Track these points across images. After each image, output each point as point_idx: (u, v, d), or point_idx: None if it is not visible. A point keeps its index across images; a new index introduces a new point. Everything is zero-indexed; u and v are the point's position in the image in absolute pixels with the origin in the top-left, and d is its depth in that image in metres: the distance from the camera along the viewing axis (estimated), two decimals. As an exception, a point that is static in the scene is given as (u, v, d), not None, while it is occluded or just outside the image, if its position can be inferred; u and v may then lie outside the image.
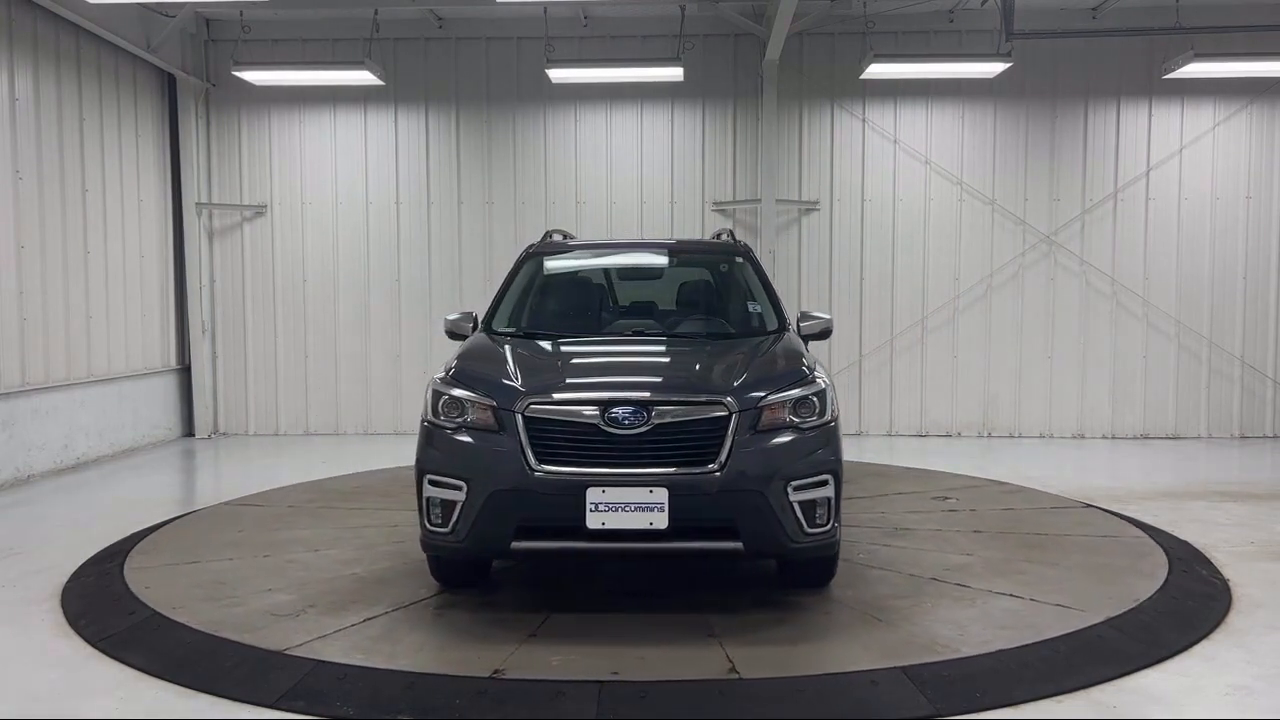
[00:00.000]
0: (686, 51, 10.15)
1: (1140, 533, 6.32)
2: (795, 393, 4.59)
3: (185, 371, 11.08)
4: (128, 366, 10.02)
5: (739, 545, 4.37)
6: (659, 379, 4.77)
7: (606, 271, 6.45)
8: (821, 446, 4.55)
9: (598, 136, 10.94)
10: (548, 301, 6.07)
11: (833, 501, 4.53)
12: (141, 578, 5.31)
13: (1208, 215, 10.72)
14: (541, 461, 4.38)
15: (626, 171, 10.93)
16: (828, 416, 4.65)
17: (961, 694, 3.85)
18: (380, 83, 10.17)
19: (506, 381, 4.67)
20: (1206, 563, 5.69)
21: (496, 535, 4.41)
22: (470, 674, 4.02)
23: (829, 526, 4.53)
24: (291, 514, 6.84)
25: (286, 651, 4.24)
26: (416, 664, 4.15)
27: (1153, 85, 10.54)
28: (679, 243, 6.93)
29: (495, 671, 4.03)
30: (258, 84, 10.49)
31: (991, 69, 9.85)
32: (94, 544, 6.13)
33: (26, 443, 8.42)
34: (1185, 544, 6.09)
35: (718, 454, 4.36)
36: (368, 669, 4.08)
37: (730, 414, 4.40)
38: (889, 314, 10.89)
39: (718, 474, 4.33)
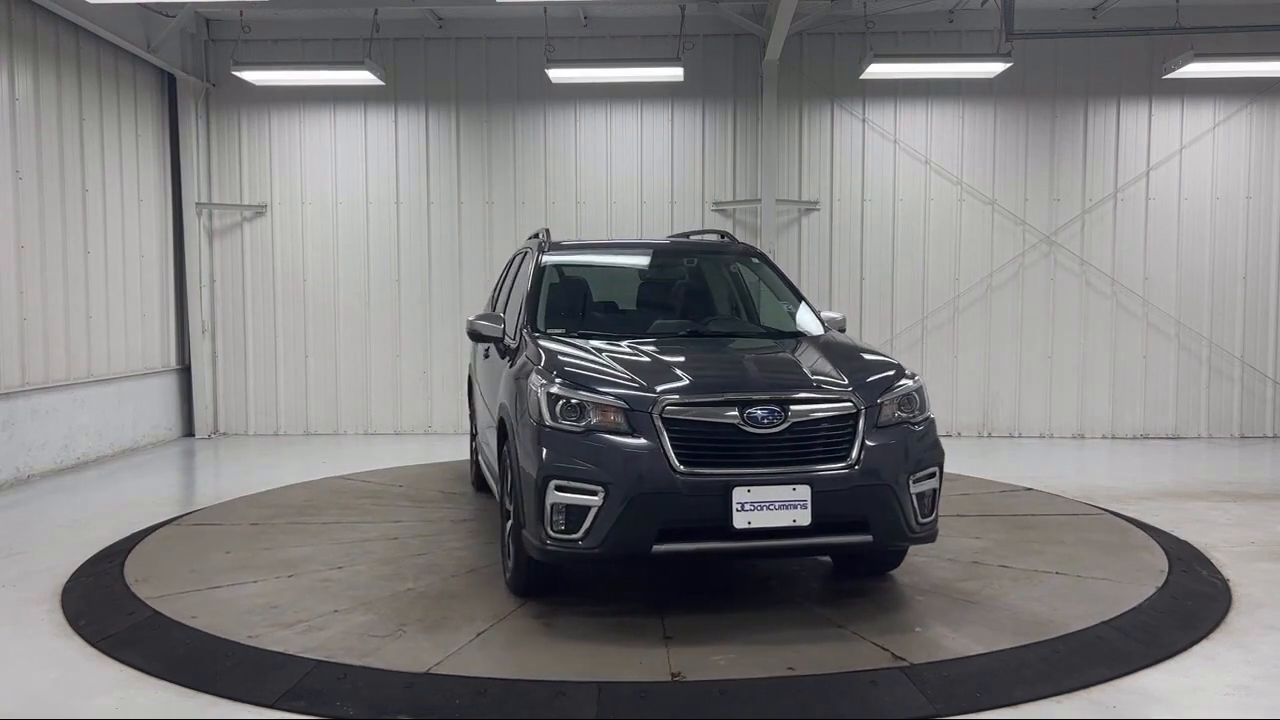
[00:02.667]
0: (686, 51, 10.15)
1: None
2: (901, 390, 4.73)
3: (185, 371, 11.08)
4: (128, 366, 10.02)
5: (869, 538, 4.50)
6: (783, 378, 4.78)
7: (635, 271, 6.45)
8: (928, 440, 4.73)
9: (598, 136, 10.94)
10: (589, 302, 6.03)
11: (937, 492, 4.73)
12: (177, 606, 4.85)
13: (1208, 215, 10.72)
14: (683, 463, 4.31)
15: (626, 171, 10.93)
16: (928, 411, 4.85)
17: (961, 694, 3.85)
18: (380, 83, 10.17)
19: (632, 383, 4.53)
20: (1206, 563, 5.69)
21: (638, 540, 4.29)
22: (651, 679, 3.96)
23: (934, 516, 4.72)
24: (262, 532, 6.34)
25: (430, 671, 4.04)
26: (576, 672, 4.02)
27: (1153, 85, 10.55)
28: (698, 243, 6.90)
29: (675, 675, 3.99)
30: (258, 84, 10.49)
31: (991, 69, 9.85)
32: (94, 544, 6.13)
33: (26, 443, 8.42)
34: (1185, 544, 6.09)
35: (850, 450, 4.46)
36: (368, 669, 4.07)
37: (858, 411, 4.52)
38: (889, 314, 10.90)
39: (854, 469, 4.42)
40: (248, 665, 4.16)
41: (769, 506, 4.29)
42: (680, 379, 4.60)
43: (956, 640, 4.36)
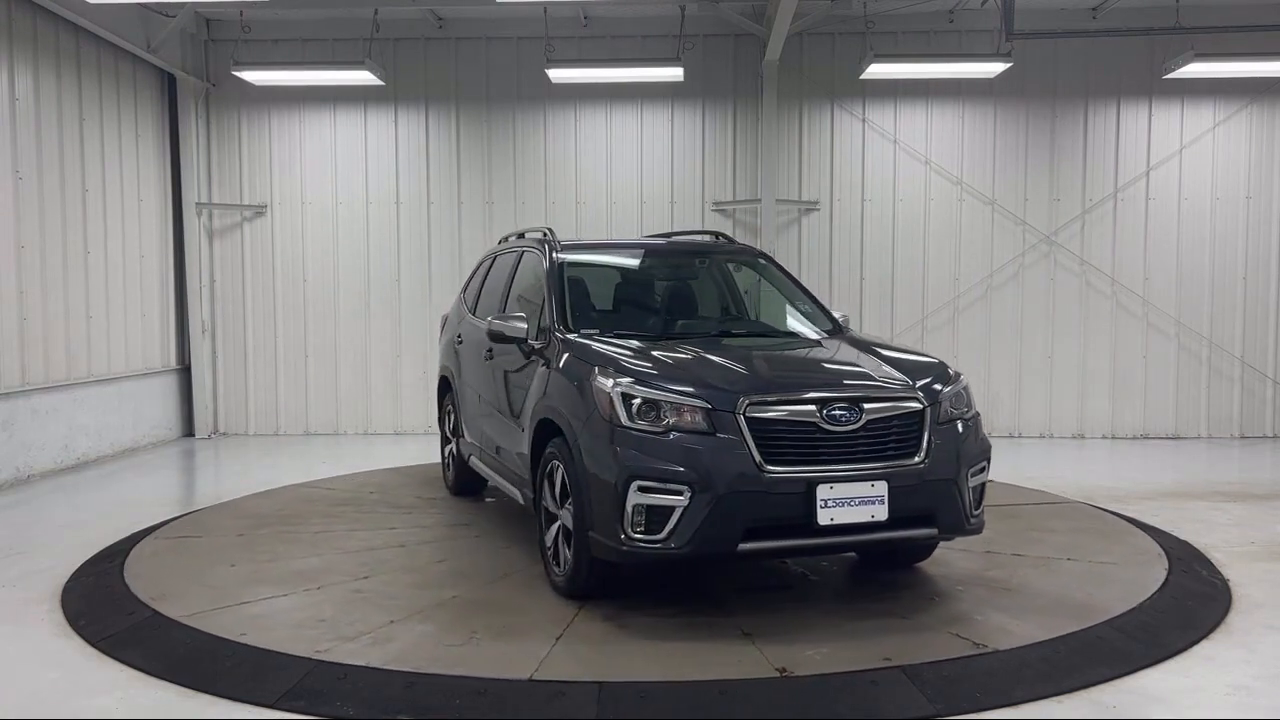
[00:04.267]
0: (686, 51, 10.15)
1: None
2: (953, 387, 4.87)
3: (185, 371, 11.08)
4: (128, 366, 10.02)
5: (935, 530, 4.66)
6: (852, 377, 4.86)
7: (649, 271, 6.44)
8: (978, 434, 4.92)
9: (598, 136, 10.94)
10: (609, 301, 6.04)
11: (985, 485, 4.93)
12: (219, 624, 4.60)
13: (1208, 215, 10.72)
14: (767, 461, 4.35)
15: (626, 171, 10.93)
16: (975, 408, 5.01)
17: (961, 694, 3.85)
18: (380, 83, 10.17)
19: (708, 383, 4.55)
20: (1206, 563, 5.70)
21: (725, 538, 4.32)
22: (759, 675, 3.98)
23: (982, 508, 4.90)
24: (253, 543, 6.04)
25: (533, 678, 3.95)
26: (679, 672, 4.01)
27: (1153, 85, 10.55)
28: (707, 243, 6.89)
29: (781, 670, 4.02)
30: (258, 84, 10.49)
31: (991, 69, 9.85)
32: (94, 544, 6.12)
33: (26, 443, 8.42)
34: (1185, 544, 6.09)
35: (919, 446, 4.57)
36: (368, 669, 4.07)
37: (924, 408, 4.64)
38: (889, 314, 10.89)
39: (923, 464, 4.54)
40: (248, 665, 4.16)
41: (850, 503, 4.37)
42: (755, 378, 4.64)
43: (1022, 626, 4.51)
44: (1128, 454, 9.92)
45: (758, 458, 4.33)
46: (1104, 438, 10.79)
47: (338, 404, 11.17)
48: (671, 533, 4.31)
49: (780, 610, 4.82)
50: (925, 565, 5.47)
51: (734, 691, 3.87)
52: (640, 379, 4.59)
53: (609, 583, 4.86)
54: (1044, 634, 4.41)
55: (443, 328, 7.93)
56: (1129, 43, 10.37)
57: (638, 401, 4.48)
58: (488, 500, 7.20)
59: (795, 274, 10.63)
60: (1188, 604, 4.93)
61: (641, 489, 4.33)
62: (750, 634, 4.45)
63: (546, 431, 5.08)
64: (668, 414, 4.45)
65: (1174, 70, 9.75)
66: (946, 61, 10.10)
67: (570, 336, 5.27)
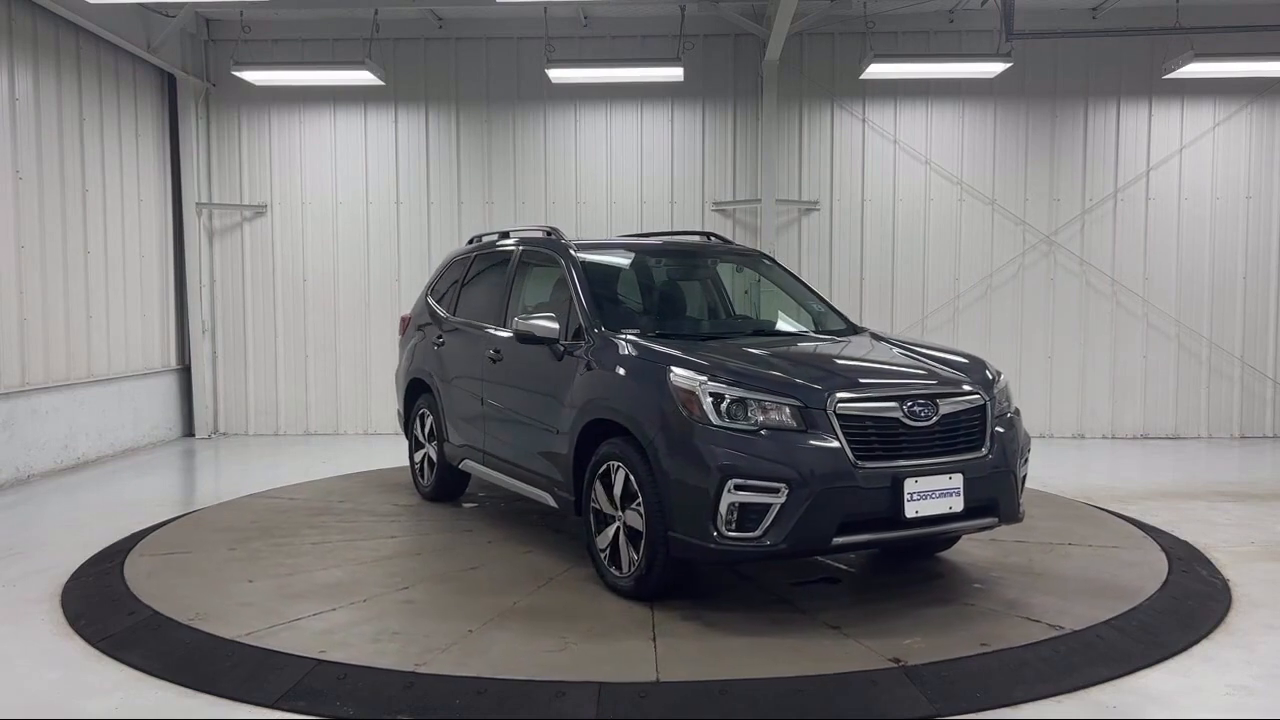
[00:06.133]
0: (686, 51, 10.16)
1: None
2: (999, 384, 5.12)
3: (185, 371, 11.08)
4: (128, 366, 10.02)
5: (996, 519, 4.83)
6: (921, 374, 4.97)
7: (664, 271, 6.43)
8: (1023, 427, 5.12)
9: (598, 136, 10.94)
10: (647, 302, 6.06)
11: (1026, 476, 5.14)
12: (287, 642, 4.35)
13: (1208, 215, 10.72)
14: (857, 457, 4.44)
15: (626, 171, 10.93)
16: (1015, 404, 5.24)
17: (961, 694, 3.85)
18: (380, 83, 10.17)
19: (797, 380, 4.62)
20: (1206, 563, 5.69)
21: (820, 534, 4.40)
22: (876, 666, 4.04)
23: (1022, 497, 5.05)
24: (253, 555, 5.74)
25: (659, 680, 3.95)
26: (790, 668, 4.01)
27: (1153, 85, 10.55)
28: (713, 243, 6.87)
29: (894, 660, 4.09)
30: (258, 84, 10.50)
31: (991, 69, 9.85)
32: (94, 544, 6.11)
33: (26, 443, 8.42)
34: (1185, 544, 6.09)
35: (983, 439, 4.78)
36: (368, 669, 4.07)
37: (985, 403, 4.84)
38: (889, 314, 10.89)
39: (988, 456, 4.74)
40: (248, 665, 4.16)
41: (931, 495, 4.52)
42: (838, 376, 4.76)
43: (1079, 607, 4.70)
44: (1128, 454, 9.92)
45: (851, 454, 4.42)
46: (1104, 438, 10.79)
47: (338, 404, 11.17)
48: (767, 529, 4.35)
49: (849, 603, 4.93)
50: (944, 555, 5.63)
51: (735, 691, 3.86)
52: (722, 377, 4.60)
53: (680, 583, 4.87)
54: (1105, 614, 4.60)
55: (403, 330, 7.82)
56: (1129, 43, 10.37)
57: (726, 400, 4.50)
58: (466, 505, 7.12)
59: (795, 274, 10.68)
60: (1188, 604, 4.93)
61: (738, 486, 4.35)
62: (838, 627, 4.50)
63: (596, 432, 5.04)
64: (755, 411, 4.49)
65: (1174, 70, 9.74)
66: (946, 61, 10.10)
67: (621, 336, 5.20)
